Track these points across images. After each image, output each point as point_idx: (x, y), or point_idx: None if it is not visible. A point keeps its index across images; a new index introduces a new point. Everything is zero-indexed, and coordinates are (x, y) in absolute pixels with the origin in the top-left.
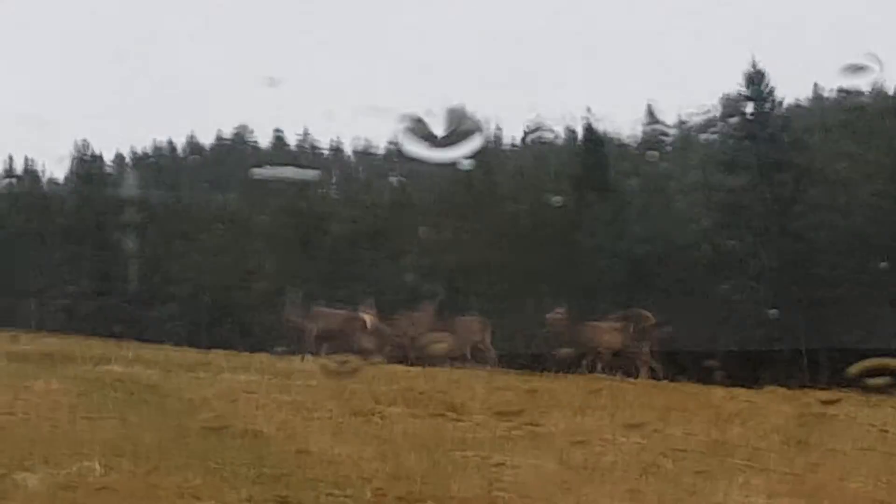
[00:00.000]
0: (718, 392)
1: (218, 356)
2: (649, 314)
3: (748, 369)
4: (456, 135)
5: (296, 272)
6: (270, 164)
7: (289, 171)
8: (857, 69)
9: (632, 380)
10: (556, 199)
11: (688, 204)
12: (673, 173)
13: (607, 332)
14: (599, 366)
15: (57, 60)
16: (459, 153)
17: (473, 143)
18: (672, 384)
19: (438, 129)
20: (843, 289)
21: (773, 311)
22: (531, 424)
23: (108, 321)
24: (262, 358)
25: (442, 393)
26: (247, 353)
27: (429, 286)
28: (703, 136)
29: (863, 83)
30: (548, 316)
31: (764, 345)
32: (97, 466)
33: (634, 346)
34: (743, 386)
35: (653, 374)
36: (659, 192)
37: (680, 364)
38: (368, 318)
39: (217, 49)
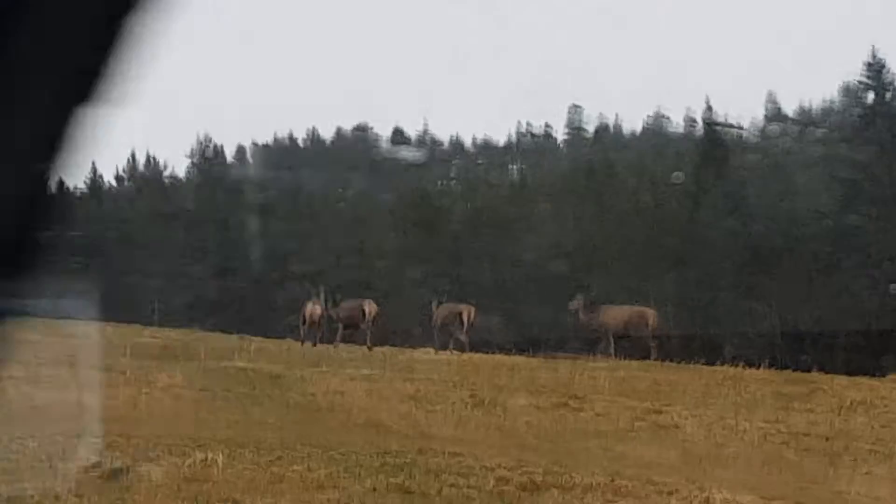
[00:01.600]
0: (841, 381)
1: (340, 349)
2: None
3: (871, 357)
4: None
5: (416, 265)
6: (391, 157)
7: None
8: None
9: (753, 370)
10: (677, 175)
11: (809, 194)
12: (794, 162)
13: (615, 316)
14: (611, 347)
15: (178, 55)
16: None
17: None
18: (795, 373)
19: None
20: None
21: (893, 286)
22: (654, 413)
23: (232, 316)
24: (383, 350)
25: (564, 384)
26: (368, 346)
27: (552, 276)
28: (824, 126)
29: None
30: (570, 304)
31: (887, 334)
32: (220, 458)
33: (642, 331)
34: (866, 374)
35: (660, 357)
36: (780, 182)
37: (801, 349)
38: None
39: (335, 45)
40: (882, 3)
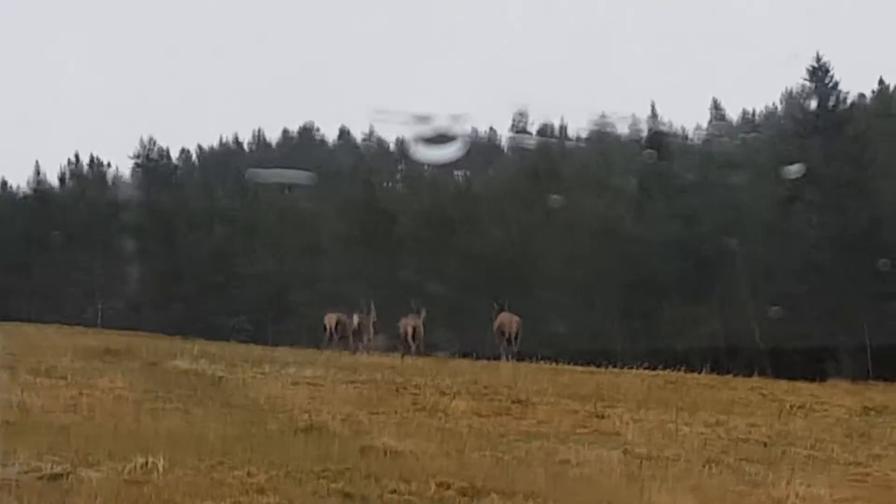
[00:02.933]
0: (781, 385)
1: (283, 352)
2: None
3: (812, 362)
4: (441, 138)
5: (361, 267)
6: (337, 158)
7: (283, 175)
8: None
9: (695, 375)
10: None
11: (752, 199)
12: (738, 168)
13: (497, 323)
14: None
15: (121, 59)
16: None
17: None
18: (736, 378)
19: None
20: None
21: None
22: (596, 417)
23: (174, 318)
24: (327, 353)
25: (507, 387)
26: (312, 349)
27: (492, 282)
28: (766, 131)
29: None
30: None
31: (827, 339)
32: (161, 461)
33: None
34: (806, 379)
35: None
36: (724, 187)
37: (744, 354)
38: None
39: (281, 48)
40: (825, 10)
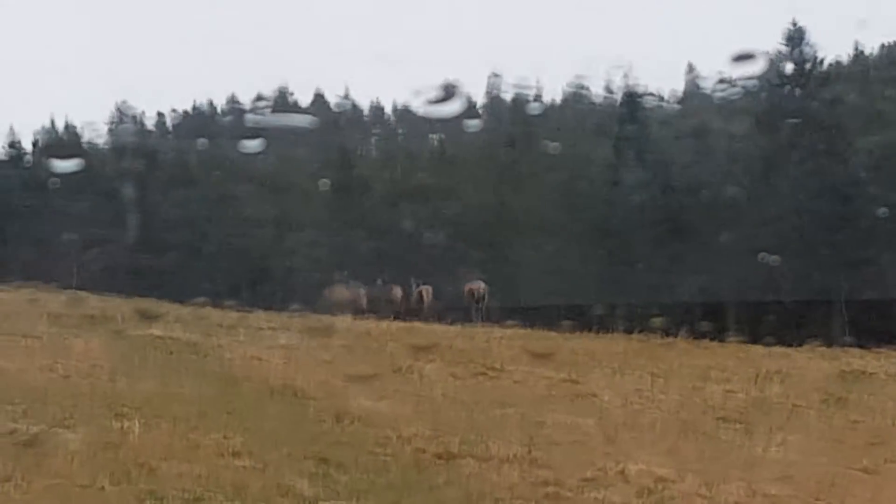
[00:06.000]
0: (758, 350)
1: (258, 317)
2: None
3: (789, 327)
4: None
5: (335, 233)
6: (311, 124)
7: (283, 119)
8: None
9: (671, 339)
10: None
11: (729, 164)
12: (712, 131)
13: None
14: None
15: (96, 24)
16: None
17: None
18: (712, 343)
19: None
20: (885, 245)
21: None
22: (571, 382)
23: (149, 283)
24: (302, 318)
25: (481, 351)
26: (287, 314)
27: (468, 249)
28: (741, 95)
29: None
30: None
31: (805, 303)
32: (137, 426)
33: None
34: (783, 344)
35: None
36: (700, 152)
37: (720, 319)
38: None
39: (257, 8)
40: None
